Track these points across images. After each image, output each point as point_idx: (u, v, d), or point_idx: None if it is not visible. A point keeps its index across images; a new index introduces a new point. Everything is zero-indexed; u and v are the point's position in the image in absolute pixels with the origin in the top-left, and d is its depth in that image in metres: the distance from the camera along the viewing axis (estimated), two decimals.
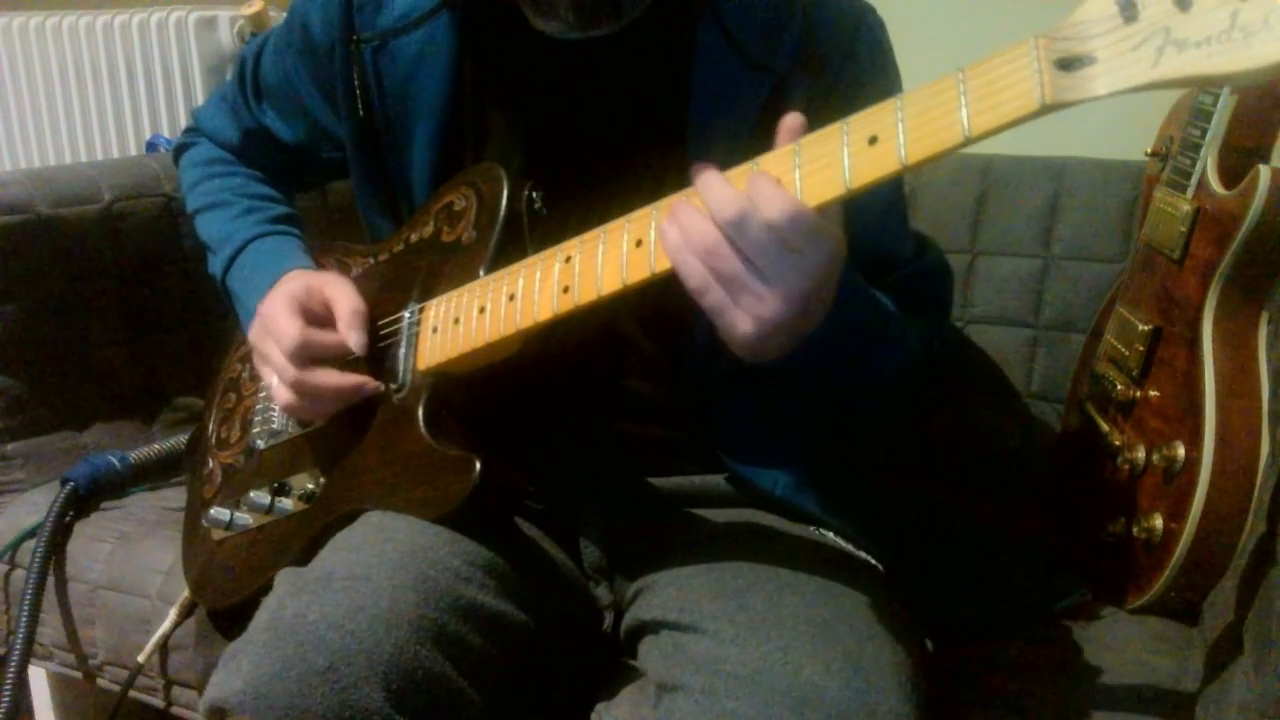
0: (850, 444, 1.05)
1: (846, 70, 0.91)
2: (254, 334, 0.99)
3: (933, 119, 0.60)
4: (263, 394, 1.09)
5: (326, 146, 1.11)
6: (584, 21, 0.85)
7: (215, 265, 1.11)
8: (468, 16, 0.96)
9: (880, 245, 0.95)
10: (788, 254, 0.67)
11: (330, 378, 0.93)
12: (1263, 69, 0.48)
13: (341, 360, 0.95)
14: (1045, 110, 0.56)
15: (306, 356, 0.93)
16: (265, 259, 1.07)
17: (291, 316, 0.94)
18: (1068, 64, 0.54)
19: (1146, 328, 1.07)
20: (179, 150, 1.24)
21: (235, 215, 1.11)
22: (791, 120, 0.70)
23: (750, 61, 0.90)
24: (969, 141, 0.59)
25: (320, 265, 1.10)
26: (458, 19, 0.96)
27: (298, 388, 0.94)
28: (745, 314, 0.69)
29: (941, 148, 0.60)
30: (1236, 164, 1.01)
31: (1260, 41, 0.47)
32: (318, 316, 0.97)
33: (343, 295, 0.97)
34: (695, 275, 0.69)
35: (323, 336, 0.94)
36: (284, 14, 1.09)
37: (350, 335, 0.94)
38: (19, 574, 1.22)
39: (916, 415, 1.37)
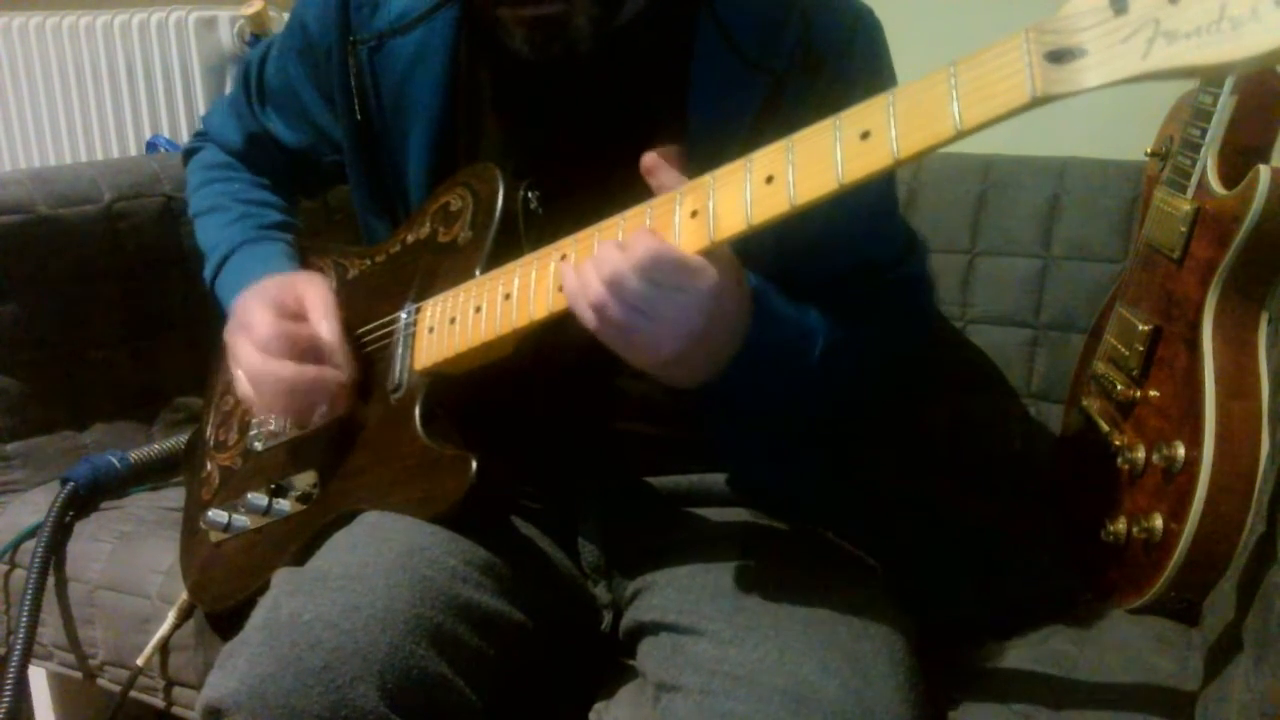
0: (831, 442, 1.07)
1: (841, 71, 0.91)
2: (228, 331, 0.98)
3: (924, 112, 0.60)
4: None
5: (327, 149, 1.12)
6: (536, 51, 0.87)
7: (206, 271, 1.12)
8: (464, 17, 0.96)
9: (862, 249, 0.95)
10: (667, 293, 0.73)
11: (286, 368, 0.92)
12: (1252, 59, 0.48)
13: (317, 353, 0.94)
14: (1036, 103, 0.56)
15: (276, 349, 0.92)
16: (249, 265, 1.07)
17: (264, 309, 0.94)
18: (1058, 56, 0.54)
19: (1146, 328, 1.06)
20: (187, 154, 1.25)
21: (228, 221, 1.12)
22: (649, 160, 0.78)
23: (748, 62, 0.90)
24: (960, 135, 0.59)
25: (317, 267, 1.11)
26: (454, 20, 0.96)
27: (257, 379, 0.92)
28: (642, 351, 0.76)
29: (933, 141, 0.60)
30: (1236, 164, 1.00)
31: (1249, 32, 0.47)
32: (291, 312, 0.96)
33: (314, 289, 0.98)
34: (592, 323, 0.75)
35: (295, 327, 0.94)
36: (284, 14, 1.10)
37: (322, 325, 0.94)
38: (19, 574, 1.22)
39: (912, 413, 1.38)
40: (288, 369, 0.92)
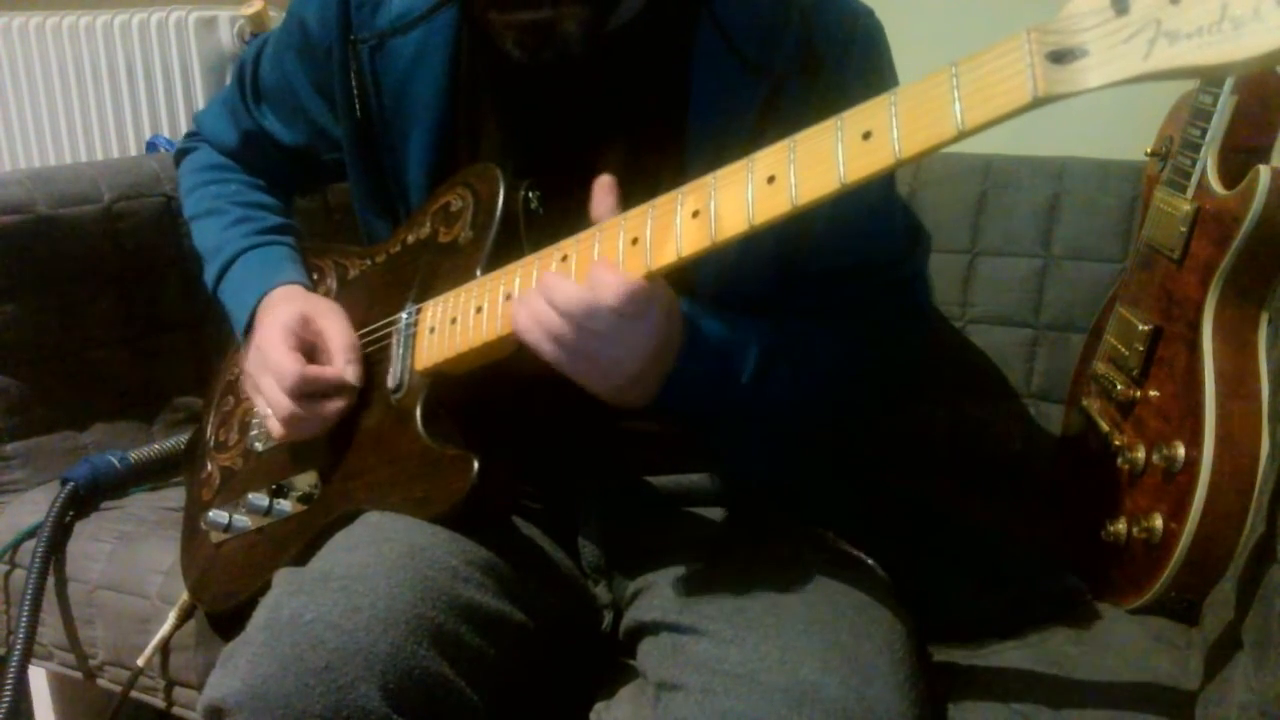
0: (831, 441, 1.07)
1: (841, 72, 0.91)
2: (251, 365, 0.99)
3: (926, 113, 0.60)
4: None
5: (325, 148, 1.11)
6: (527, 55, 0.87)
7: (208, 276, 1.11)
8: (465, 16, 0.96)
9: (862, 248, 0.95)
10: (631, 323, 0.76)
11: (323, 409, 0.95)
12: (1253, 59, 0.48)
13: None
14: (1038, 103, 0.56)
15: (304, 393, 0.94)
16: (253, 273, 1.07)
17: (289, 351, 0.95)
18: (1060, 57, 0.55)
19: (1146, 327, 1.06)
20: (180, 155, 1.24)
21: (227, 225, 1.11)
22: (604, 180, 0.81)
23: (748, 64, 0.90)
24: (962, 135, 0.59)
25: (318, 267, 1.10)
26: (454, 20, 0.96)
27: (292, 422, 0.95)
28: (607, 376, 0.79)
29: (935, 141, 0.60)
30: (1236, 164, 1.00)
31: (1250, 32, 0.48)
32: (311, 346, 0.98)
33: (335, 328, 0.98)
34: (556, 356, 0.78)
35: (321, 373, 0.95)
36: (284, 14, 1.09)
37: (347, 370, 0.95)
38: (19, 574, 1.22)
39: (912, 413, 1.38)
40: (323, 410, 0.95)
